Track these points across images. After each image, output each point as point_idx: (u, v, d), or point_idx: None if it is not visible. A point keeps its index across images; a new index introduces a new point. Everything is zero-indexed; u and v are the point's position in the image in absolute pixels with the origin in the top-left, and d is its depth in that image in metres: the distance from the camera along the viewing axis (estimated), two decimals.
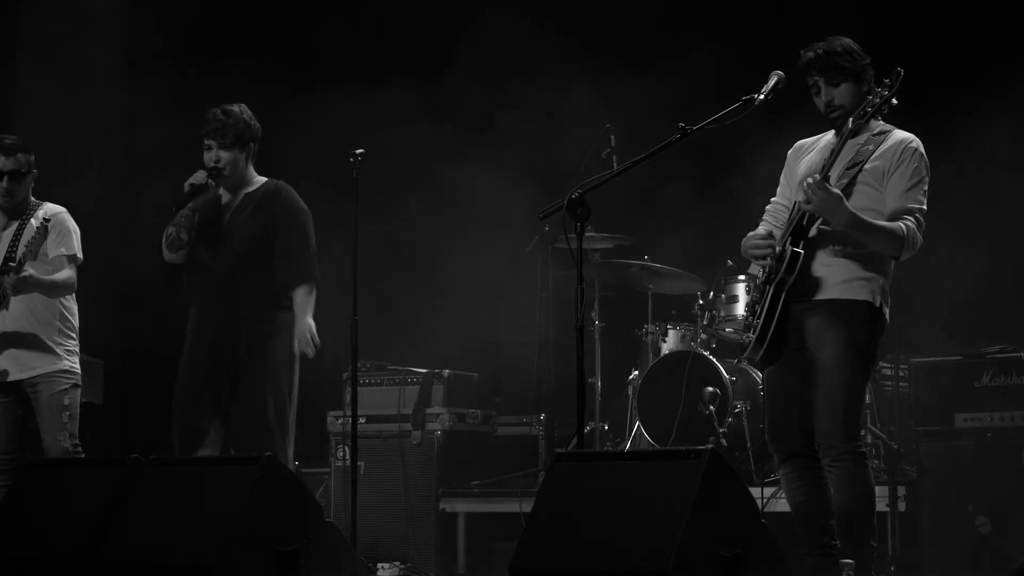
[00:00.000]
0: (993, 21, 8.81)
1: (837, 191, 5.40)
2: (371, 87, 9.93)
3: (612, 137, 8.44)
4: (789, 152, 5.96)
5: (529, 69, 9.63)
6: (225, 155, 6.79)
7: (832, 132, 5.78)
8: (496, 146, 9.76)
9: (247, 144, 6.84)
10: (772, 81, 5.63)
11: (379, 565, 8.13)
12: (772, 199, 5.97)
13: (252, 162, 6.91)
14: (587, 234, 5.60)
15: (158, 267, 8.75)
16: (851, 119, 5.56)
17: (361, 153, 6.98)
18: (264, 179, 6.94)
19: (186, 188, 6.76)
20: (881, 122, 5.66)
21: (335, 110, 9.71)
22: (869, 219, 5.46)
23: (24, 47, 10.05)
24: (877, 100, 5.44)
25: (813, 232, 5.54)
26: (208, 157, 6.81)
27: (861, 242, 5.52)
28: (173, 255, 6.83)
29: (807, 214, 5.53)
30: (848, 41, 5.67)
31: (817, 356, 5.54)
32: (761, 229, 5.86)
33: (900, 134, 5.63)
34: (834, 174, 5.52)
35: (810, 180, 5.43)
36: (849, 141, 5.64)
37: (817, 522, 5.62)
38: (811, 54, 5.66)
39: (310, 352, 6.72)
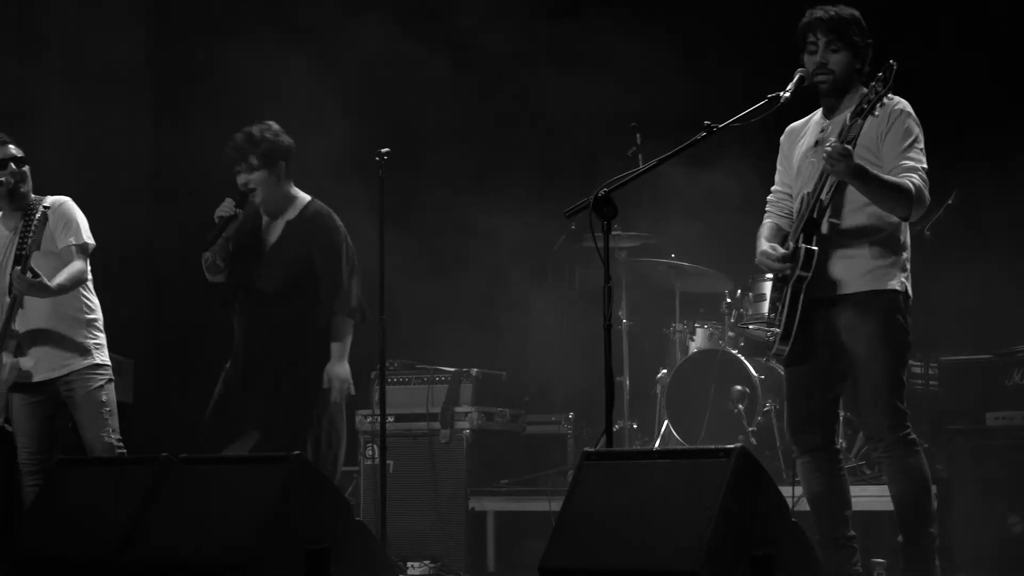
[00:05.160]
0: None
1: (854, 158, 5.33)
2: (399, 78, 9.99)
3: (638, 135, 8.42)
4: (782, 138, 5.97)
5: (556, 64, 9.63)
6: (254, 177, 6.84)
7: (820, 112, 5.79)
8: (525, 144, 9.77)
9: (276, 163, 6.87)
10: (796, 78, 5.63)
11: (409, 564, 8.13)
12: (772, 188, 5.99)
13: (288, 179, 6.96)
14: (614, 232, 5.57)
15: (186, 267, 8.75)
16: (848, 112, 5.53)
17: (387, 152, 7.00)
18: (306, 198, 7.00)
19: (216, 219, 6.82)
20: (862, 89, 5.63)
21: (365, 104, 9.71)
22: (880, 175, 5.43)
23: (50, 47, 9.99)
24: (872, 96, 5.39)
25: (824, 228, 5.54)
26: (239, 181, 6.86)
27: (872, 200, 5.48)
28: (212, 278, 6.93)
29: (817, 208, 5.52)
30: (858, 14, 5.66)
31: (853, 351, 5.55)
32: (765, 229, 5.88)
33: (888, 98, 5.56)
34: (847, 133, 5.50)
35: (829, 147, 5.38)
36: (835, 117, 5.64)
37: (832, 513, 5.67)
38: (821, 13, 5.64)
39: (341, 399, 6.86)
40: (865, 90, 5.55)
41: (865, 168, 5.38)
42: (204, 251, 6.88)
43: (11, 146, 7.01)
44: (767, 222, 5.93)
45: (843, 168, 5.35)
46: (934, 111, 5.83)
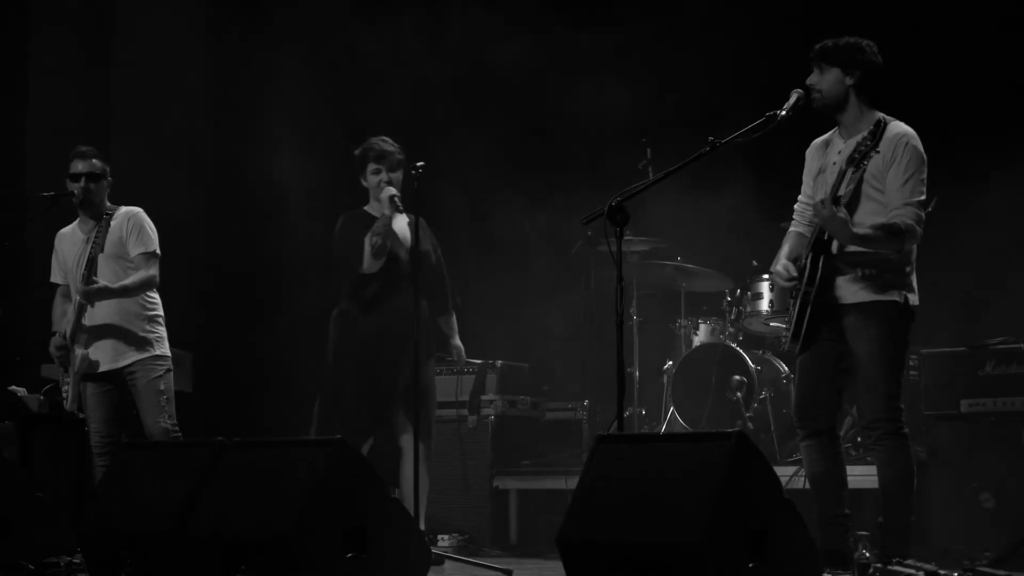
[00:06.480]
0: None
1: (842, 214, 5.61)
2: (422, 89, 10.12)
3: (648, 150, 8.62)
4: (807, 152, 6.14)
5: (572, 77, 9.74)
6: (395, 176, 7.31)
7: (837, 128, 5.99)
8: (551, 153, 9.94)
9: (401, 168, 7.36)
10: (793, 98, 5.87)
11: (439, 537, 8.45)
12: (799, 198, 6.17)
13: None
14: (626, 237, 5.78)
15: (238, 266, 8.92)
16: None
17: (422, 165, 7.14)
18: None
19: (389, 200, 7.22)
20: (878, 113, 5.82)
21: (397, 114, 9.79)
22: (867, 231, 5.66)
23: (118, 54, 10.12)
24: (864, 147, 5.65)
25: (834, 244, 5.80)
26: (378, 179, 7.31)
27: (864, 247, 5.74)
28: (376, 263, 7.28)
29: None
30: (855, 41, 5.86)
31: (855, 351, 5.81)
32: (790, 238, 6.09)
33: (896, 128, 5.78)
34: (843, 181, 5.72)
35: (818, 203, 5.65)
36: (849, 140, 5.84)
37: (832, 492, 5.89)
38: (816, 47, 5.90)
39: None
40: (878, 114, 5.78)
41: (858, 235, 5.64)
42: (369, 236, 7.20)
43: (95, 160, 7.28)
44: (792, 231, 6.15)
45: (843, 238, 5.66)
46: (912, 116, 5.99)
